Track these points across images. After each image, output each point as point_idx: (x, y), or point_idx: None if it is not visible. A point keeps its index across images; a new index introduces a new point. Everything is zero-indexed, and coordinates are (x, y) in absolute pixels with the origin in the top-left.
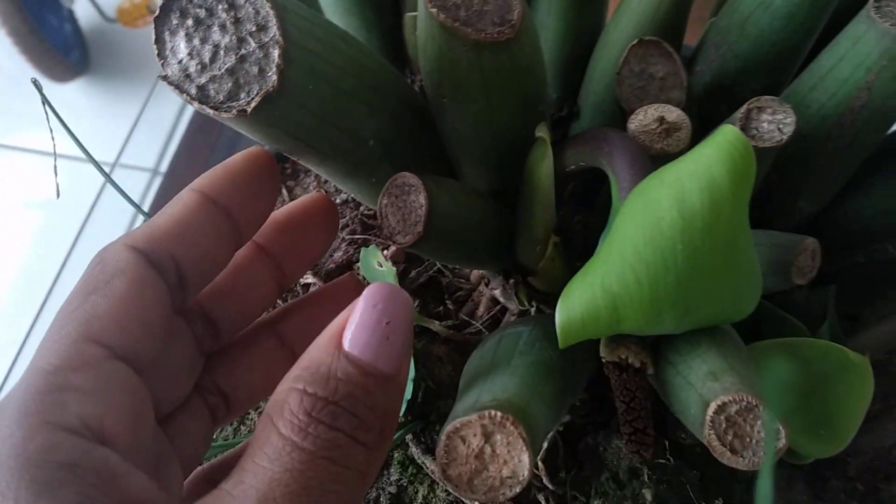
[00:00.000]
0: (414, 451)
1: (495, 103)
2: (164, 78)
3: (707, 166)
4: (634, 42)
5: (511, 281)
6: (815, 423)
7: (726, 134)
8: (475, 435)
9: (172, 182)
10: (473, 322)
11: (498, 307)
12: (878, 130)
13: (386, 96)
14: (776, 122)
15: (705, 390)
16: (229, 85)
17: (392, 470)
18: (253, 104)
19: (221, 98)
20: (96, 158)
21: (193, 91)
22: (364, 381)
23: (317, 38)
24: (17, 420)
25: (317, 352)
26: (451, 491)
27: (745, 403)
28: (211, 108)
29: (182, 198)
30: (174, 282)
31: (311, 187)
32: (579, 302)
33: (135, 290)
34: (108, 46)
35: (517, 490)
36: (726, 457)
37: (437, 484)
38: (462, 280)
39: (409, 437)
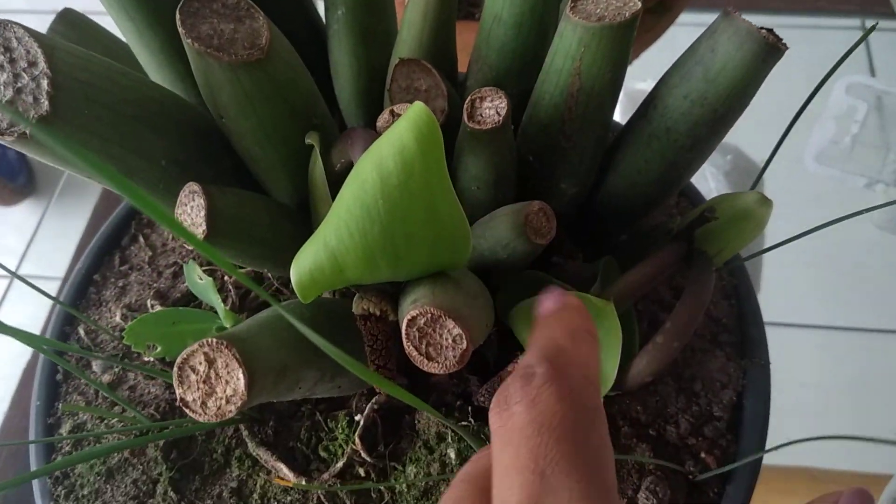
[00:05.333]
0: (250, 445)
1: (266, 117)
2: None
3: (398, 135)
4: (397, 62)
5: None
6: None
7: (414, 108)
8: (201, 362)
9: None
10: None
11: None
12: (599, 109)
13: (172, 121)
14: (494, 107)
15: (403, 312)
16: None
17: (233, 466)
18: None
19: (5, 125)
20: (49, 274)
21: None
22: None
23: (90, 72)
24: None
25: None
26: (188, 414)
27: (430, 315)
28: None
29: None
30: None
31: (167, 233)
32: (306, 260)
33: None
34: (52, 168)
35: (239, 404)
36: (425, 364)
37: (272, 472)
38: None
39: (245, 433)
